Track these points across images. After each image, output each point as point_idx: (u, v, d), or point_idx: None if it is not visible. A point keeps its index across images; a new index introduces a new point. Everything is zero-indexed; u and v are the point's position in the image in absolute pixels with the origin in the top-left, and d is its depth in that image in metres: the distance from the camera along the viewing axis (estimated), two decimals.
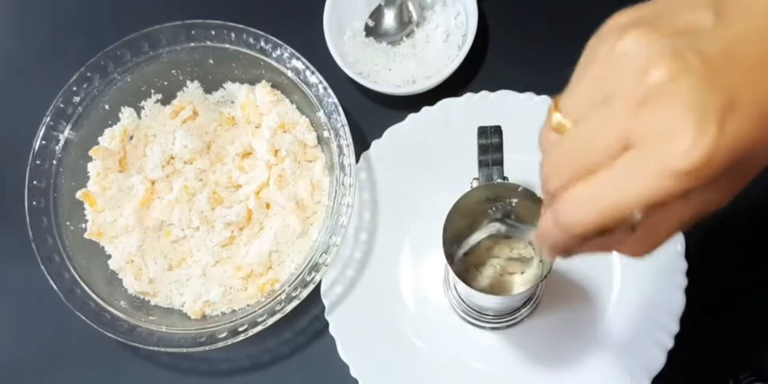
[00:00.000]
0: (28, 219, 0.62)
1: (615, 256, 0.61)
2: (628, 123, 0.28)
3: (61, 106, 0.64)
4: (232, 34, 0.63)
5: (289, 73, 0.63)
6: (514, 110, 0.62)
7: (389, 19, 0.66)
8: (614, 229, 0.29)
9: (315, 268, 0.59)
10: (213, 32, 0.64)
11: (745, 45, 0.28)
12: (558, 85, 0.32)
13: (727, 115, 0.27)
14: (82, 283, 0.62)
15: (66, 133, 0.64)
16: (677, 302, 0.58)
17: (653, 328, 0.58)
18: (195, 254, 0.64)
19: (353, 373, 0.60)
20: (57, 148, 0.64)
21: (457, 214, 0.48)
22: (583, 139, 0.30)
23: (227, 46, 0.64)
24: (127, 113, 0.66)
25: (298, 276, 0.59)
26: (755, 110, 0.27)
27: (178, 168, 0.66)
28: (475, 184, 0.51)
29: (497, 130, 0.51)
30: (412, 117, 0.64)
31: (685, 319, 0.58)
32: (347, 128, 0.60)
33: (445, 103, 0.64)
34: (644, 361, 0.58)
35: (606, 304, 0.60)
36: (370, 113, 0.67)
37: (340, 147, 0.61)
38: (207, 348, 0.59)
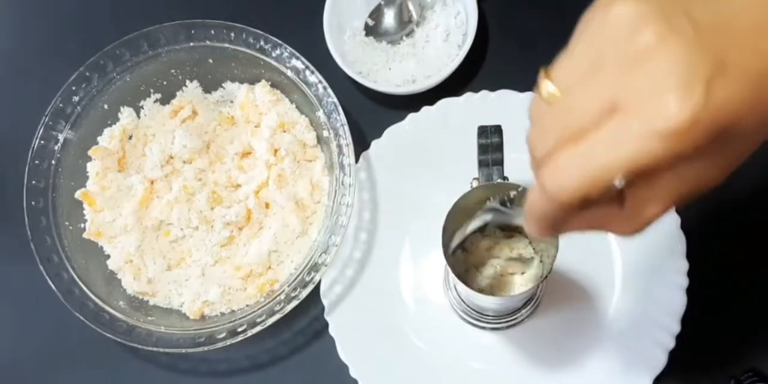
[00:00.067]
0: (26, 219, 0.62)
1: (616, 256, 0.61)
2: (615, 86, 0.28)
3: (60, 105, 0.64)
4: (232, 34, 0.63)
5: (289, 73, 0.63)
6: (514, 110, 0.62)
7: (389, 18, 0.66)
8: (600, 198, 0.29)
9: (314, 268, 0.59)
10: (212, 32, 0.63)
11: (736, 11, 0.28)
12: None
13: (715, 79, 0.26)
14: (80, 284, 0.61)
15: (65, 132, 0.64)
16: (678, 302, 0.58)
17: (654, 328, 0.58)
18: (194, 254, 0.64)
19: (353, 373, 0.60)
20: (56, 147, 0.64)
21: (457, 214, 0.48)
22: (570, 105, 0.29)
23: (227, 45, 0.64)
24: (126, 113, 0.66)
25: (298, 276, 0.59)
26: (744, 77, 0.27)
27: (178, 168, 0.65)
28: (475, 184, 0.51)
29: (497, 130, 0.51)
30: (411, 117, 0.64)
31: (686, 319, 0.58)
32: (347, 128, 0.60)
33: (445, 103, 0.64)
34: (645, 361, 0.58)
35: (607, 304, 0.60)
36: (370, 113, 0.66)
37: (339, 147, 0.61)
38: (206, 348, 0.59)
